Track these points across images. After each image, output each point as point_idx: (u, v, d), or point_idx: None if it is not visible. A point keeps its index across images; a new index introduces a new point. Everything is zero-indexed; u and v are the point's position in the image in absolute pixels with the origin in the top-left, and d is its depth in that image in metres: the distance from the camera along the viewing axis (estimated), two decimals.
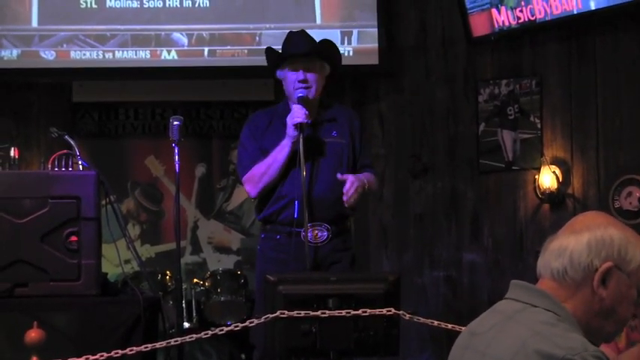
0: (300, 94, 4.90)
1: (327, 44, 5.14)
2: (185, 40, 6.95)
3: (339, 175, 4.87)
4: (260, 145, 5.00)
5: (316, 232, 4.89)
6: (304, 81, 4.93)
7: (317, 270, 4.84)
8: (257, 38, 6.93)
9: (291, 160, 4.87)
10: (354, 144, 5.08)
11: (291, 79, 4.97)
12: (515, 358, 2.21)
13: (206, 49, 6.94)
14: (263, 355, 4.82)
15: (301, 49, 4.96)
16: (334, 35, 6.89)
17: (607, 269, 2.27)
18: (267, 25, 6.89)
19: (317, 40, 5.10)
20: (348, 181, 4.86)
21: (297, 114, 4.82)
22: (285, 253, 4.85)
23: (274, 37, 6.61)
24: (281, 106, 5.09)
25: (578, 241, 2.29)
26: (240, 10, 6.98)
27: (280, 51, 5.05)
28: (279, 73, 5.06)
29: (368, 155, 5.26)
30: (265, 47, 5.19)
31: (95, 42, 6.87)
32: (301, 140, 4.79)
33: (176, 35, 6.95)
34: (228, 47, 6.94)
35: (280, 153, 4.88)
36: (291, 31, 5.14)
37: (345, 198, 4.85)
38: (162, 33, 6.95)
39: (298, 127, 4.81)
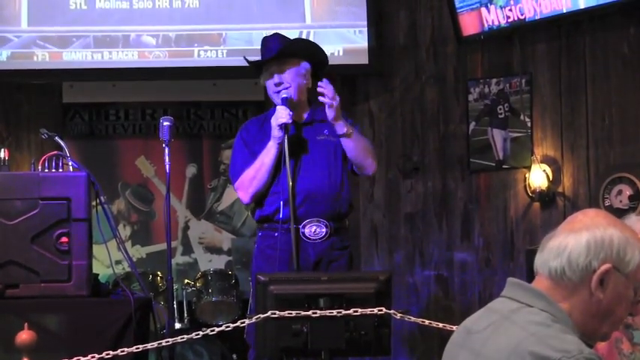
0: (285, 96, 4.91)
1: (298, 42, 5.15)
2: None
3: (319, 87, 4.88)
4: (252, 151, 5.01)
5: (315, 228, 4.91)
6: (279, 84, 4.95)
7: (316, 267, 4.85)
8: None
9: (281, 160, 4.88)
10: None
11: (269, 85, 5.00)
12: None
13: (196, 50, 6.93)
14: (259, 355, 4.82)
15: (267, 54, 4.98)
16: (324, 35, 6.89)
17: (605, 271, 2.26)
18: (257, 26, 6.87)
19: (292, 39, 5.12)
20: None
21: (281, 115, 4.84)
22: (284, 251, 4.86)
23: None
24: (272, 112, 5.09)
25: (577, 241, 2.27)
26: (229, 12, 6.97)
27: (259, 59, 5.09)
28: (262, 81, 5.08)
29: None
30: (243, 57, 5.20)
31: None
32: (286, 141, 4.80)
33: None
34: (221, 47, 6.93)
35: (267, 156, 4.90)
36: (265, 37, 5.13)
37: (321, 98, 4.87)
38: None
39: (283, 127, 4.82)
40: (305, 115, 5.09)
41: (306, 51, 5.08)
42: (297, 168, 4.90)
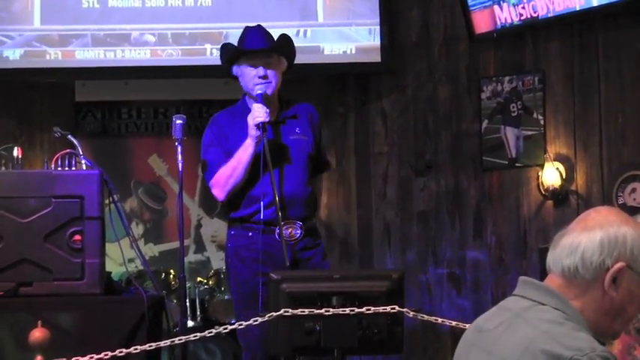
0: (260, 92, 4.85)
1: (285, 39, 5.11)
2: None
3: None
4: (224, 147, 4.95)
5: (291, 229, 4.88)
6: (265, 77, 4.89)
7: (294, 268, 4.81)
8: None
9: (258, 160, 4.81)
10: (316, 139, 5.08)
11: (251, 74, 4.91)
12: (522, 358, 2.20)
13: (208, 48, 6.93)
14: (256, 356, 4.80)
15: (260, 44, 4.91)
16: (337, 33, 6.89)
17: (619, 269, 2.25)
18: (268, 24, 6.86)
19: (279, 35, 5.10)
20: None
21: (258, 113, 4.76)
22: (260, 252, 4.81)
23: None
24: (240, 105, 5.05)
25: (590, 239, 2.27)
26: (239, 10, 6.96)
27: (237, 46, 5.02)
28: (234, 69, 5.00)
29: (326, 150, 5.34)
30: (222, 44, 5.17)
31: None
32: (265, 139, 4.75)
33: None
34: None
35: (244, 154, 4.82)
36: (247, 26, 5.08)
37: None
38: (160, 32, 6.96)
39: (260, 126, 4.77)
40: (277, 113, 5.03)
41: (288, 50, 5.06)
42: (275, 170, 4.83)
